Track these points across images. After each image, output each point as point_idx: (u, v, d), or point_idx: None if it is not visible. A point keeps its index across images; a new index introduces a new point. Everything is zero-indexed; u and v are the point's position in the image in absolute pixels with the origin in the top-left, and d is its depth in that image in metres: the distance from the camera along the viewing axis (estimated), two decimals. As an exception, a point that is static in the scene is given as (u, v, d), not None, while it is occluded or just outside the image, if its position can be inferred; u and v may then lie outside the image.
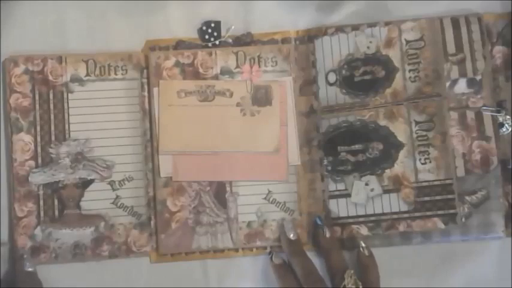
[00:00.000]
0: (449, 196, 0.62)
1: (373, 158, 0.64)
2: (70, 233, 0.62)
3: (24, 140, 0.62)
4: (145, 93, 0.64)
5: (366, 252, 0.61)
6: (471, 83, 0.64)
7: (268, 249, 0.64)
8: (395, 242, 0.64)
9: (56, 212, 0.62)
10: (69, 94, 0.63)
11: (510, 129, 0.64)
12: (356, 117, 0.64)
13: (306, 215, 0.64)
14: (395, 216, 0.63)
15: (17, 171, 0.62)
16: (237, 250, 0.64)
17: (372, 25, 0.65)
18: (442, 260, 0.64)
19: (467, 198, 0.63)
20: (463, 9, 0.65)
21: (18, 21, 0.64)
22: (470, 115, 0.64)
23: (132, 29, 0.65)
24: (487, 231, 0.63)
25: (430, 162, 0.63)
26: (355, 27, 0.65)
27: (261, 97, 0.65)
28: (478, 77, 0.64)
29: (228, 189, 0.64)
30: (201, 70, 0.65)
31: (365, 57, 0.65)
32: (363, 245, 0.62)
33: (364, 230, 0.63)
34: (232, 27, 0.65)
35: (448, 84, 0.64)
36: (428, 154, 0.63)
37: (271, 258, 0.63)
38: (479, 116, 0.64)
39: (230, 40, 0.66)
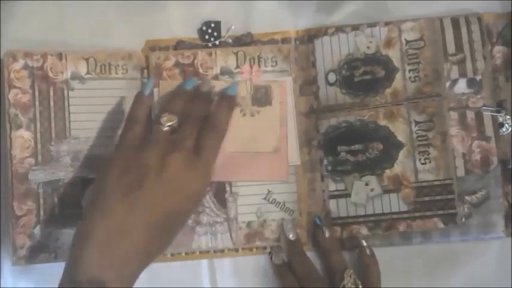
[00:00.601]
0: (449, 196, 0.62)
1: (373, 158, 0.63)
2: (70, 232, 0.61)
3: (23, 136, 0.62)
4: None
5: (368, 251, 0.61)
6: (471, 83, 0.64)
7: (268, 249, 0.64)
8: (395, 242, 0.64)
9: (56, 211, 0.62)
10: (70, 92, 0.63)
11: (510, 129, 0.64)
12: (356, 117, 0.64)
13: (306, 215, 0.64)
14: (395, 216, 0.63)
15: (16, 168, 0.62)
16: (236, 250, 0.64)
17: (371, 25, 0.65)
18: (442, 260, 0.64)
19: (467, 198, 0.63)
20: (463, 9, 0.65)
21: (17, 20, 0.64)
22: (470, 115, 0.64)
23: (132, 29, 0.65)
24: (487, 231, 0.63)
25: (430, 162, 0.63)
26: (355, 27, 0.65)
27: (261, 97, 0.64)
28: (478, 77, 0.64)
29: (227, 189, 0.64)
30: (201, 70, 0.65)
31: (365, 57, 0.65)
32: (365, 244, 0.62)
33: (364, 230, 0.63)
34: (232, 27, 0.66)
35: (448, 84, 0.64)
36: (428, 154, 0.63)
37: (271, 258, 0.63)
38: (479, 116, 0.64)
39: (230, 40, 0.66)
